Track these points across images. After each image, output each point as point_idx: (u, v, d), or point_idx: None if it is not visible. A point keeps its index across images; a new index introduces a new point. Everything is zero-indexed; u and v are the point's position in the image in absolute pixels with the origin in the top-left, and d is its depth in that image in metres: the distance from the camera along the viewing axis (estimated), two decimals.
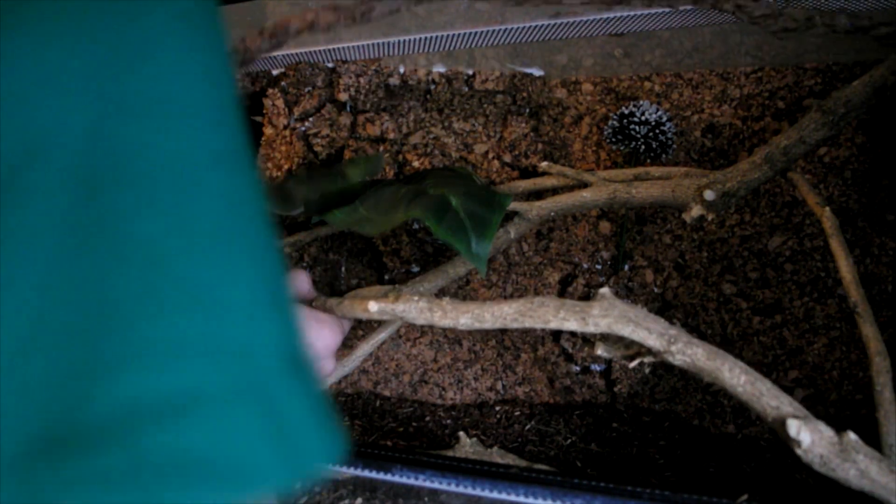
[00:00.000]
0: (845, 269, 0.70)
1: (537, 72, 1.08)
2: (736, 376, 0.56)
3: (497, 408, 1.07)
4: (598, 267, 1.06)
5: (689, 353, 0.59)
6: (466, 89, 1.08)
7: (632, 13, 0.93)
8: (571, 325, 0.61)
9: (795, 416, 0.54)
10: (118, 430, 0.17)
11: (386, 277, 1.11)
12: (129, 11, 0.19)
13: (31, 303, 0.17)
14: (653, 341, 0.60)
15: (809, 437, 0.53)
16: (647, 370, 1.02)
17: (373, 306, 0.68)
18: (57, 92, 0.17)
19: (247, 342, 0.19)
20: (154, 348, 0.18)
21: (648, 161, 0.99)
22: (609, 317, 0.61)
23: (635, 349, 0.66)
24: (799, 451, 0.54)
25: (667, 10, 0.89)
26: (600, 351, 0.69)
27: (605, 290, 0.64)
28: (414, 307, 0.66)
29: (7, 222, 0.16)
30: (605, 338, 0.70)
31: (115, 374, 0.17)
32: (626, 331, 0.60)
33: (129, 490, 0.17)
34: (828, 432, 0.54)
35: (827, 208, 0.76)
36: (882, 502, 0.55)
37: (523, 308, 0.62)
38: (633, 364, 0.66)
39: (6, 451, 0.16)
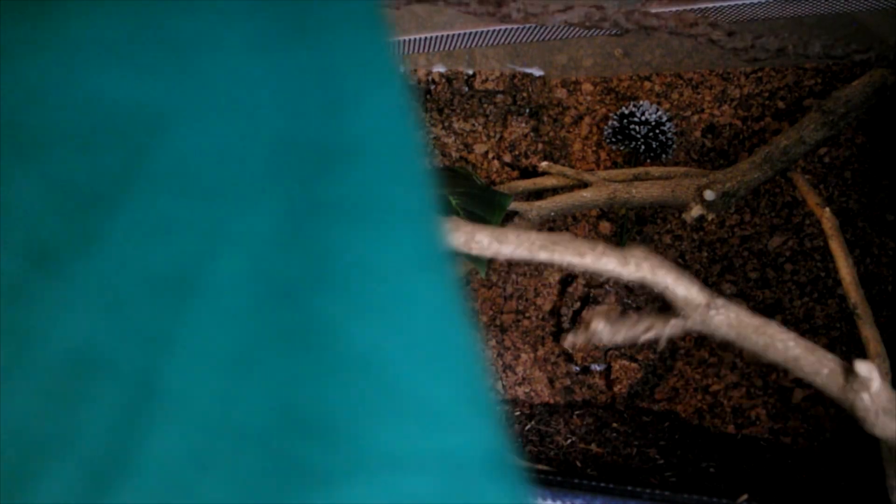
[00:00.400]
0: (845, 270, 0.70)
1: (537, 72, 1.08)
2: (784, 332, 0.52)
3: (497, 408, 1.07)
4: None
5: (734, 309, 0.54)
6: (466, 89, 1.08)
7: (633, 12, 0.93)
8: (610, 263, 0.56)
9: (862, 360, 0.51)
10: None
11: None
12: (332, 112, 0.18)
13: (216, 403, 0.15)
14: (695, 293, 0.55)
15: (879, 380, 0.49)
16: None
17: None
18: (241, 194, 0.16)
19: (456, 450, 0.19)
20: (369, 459, 0.17)
21: (648, 161, 1.00)
22: (651, 260, 0.55)
23: (646, 325, 0.61)
24: (865, 397, 0.50)
25: (666, 10, 0.89)
26: (600, 327, 0.62)
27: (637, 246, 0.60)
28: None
29: (186, 320, 0.15)
30: (609, 317, 0.66)
31: (327, 487, 0.16)
32: (669, 279, 0.56)
33: None
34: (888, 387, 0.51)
35: (827, 209, 0.76)
36: None
37: (556, 237, 0.55)
38: (645, 337, 0.61)
39: None
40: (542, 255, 0.56)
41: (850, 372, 0.50)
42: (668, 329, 0.58)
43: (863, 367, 0.49)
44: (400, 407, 0.18)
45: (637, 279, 0.57)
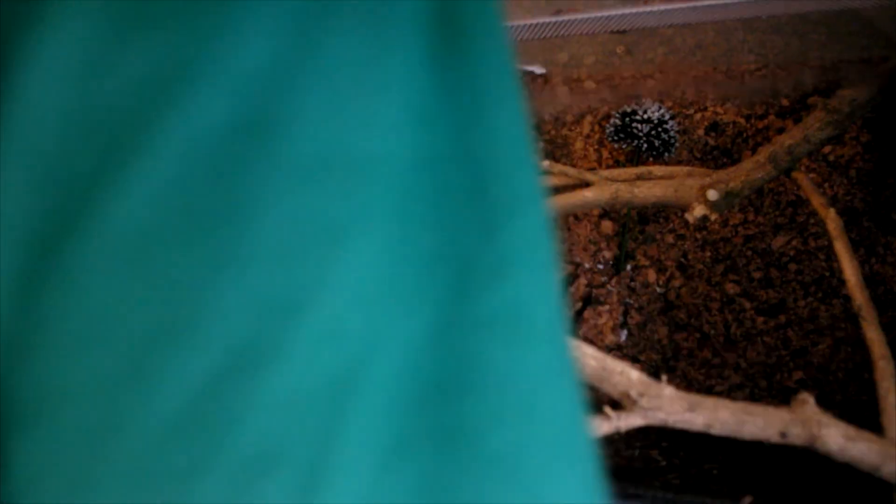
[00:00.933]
0: (850, 271, 0.70)
1: (539, 69, 1.07)
2: (720, 409, 0.55)
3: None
4: (601, 266, 1.05)
5: (666, 399, 0.58)
6: None
7: (634, 11, 0.92)
8: None
9: None
10: None
11: None
12: (491, 225, 0.18)
13: (371, 496, 0.16)
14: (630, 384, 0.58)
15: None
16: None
17: None
18: (399, 302, 0.17)
19: None
20: None
21: (651, 159, 0.99)
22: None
23: (603, 419, 0.65)
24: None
25: (669, 7, 0.88)
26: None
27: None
28: None
29: (349, 418, 0.16)
30: None
31: None
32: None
33: None
34: None
35: (832, 210, 0.75)
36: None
37: None
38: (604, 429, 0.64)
39: None
40: None
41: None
42: (622, 422, 0.61)
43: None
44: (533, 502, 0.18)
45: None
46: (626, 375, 0.62)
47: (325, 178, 0.16)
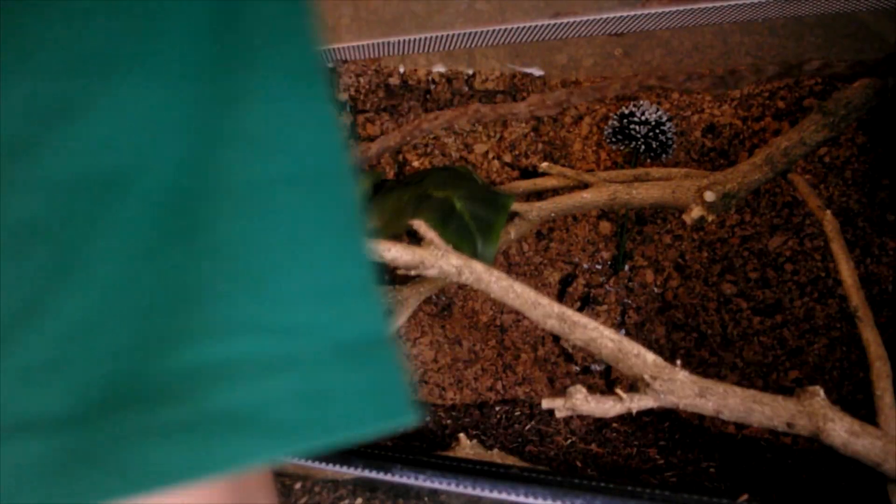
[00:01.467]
0: (846, 273, 0.70)
1: (537, 71, 1.08)
2: (730, 395, 0.57)
3: (497, 408, 1.07)
4: (598, 267, 1.06)
5: (678, 382, 0.60)
6: (466, 89, 1.08)
7: (632, 13, 0.93)
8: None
9: None
10: (181, 389, 0.21)
11: (386, 278, 1.11)
12: (238, 64, 0.23)
13: (118, 281, 0.21)
14: (642, 367, 0.60)
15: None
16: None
17: (393, 251, 0.66)
18: (155, 128, 0.22)
19: (302, 325, 0.24)
20: (220, 324, 0.22)
21: (648, 161, 0.99)
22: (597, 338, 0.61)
23: (616, 399, 0.66)
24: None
25: (667, 9, 0.89)
26: (578, 397, 0.66)
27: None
28: (444, 262, 0.65)
29: (102, 221, 0.21)
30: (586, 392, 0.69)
31: (185, 342, 0.21)
32: (604, 351, 0.61)
33: (185, 441, 0.20)
34: None
35: (828, 212, 0.76)
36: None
37: (566, 313, 0.62)
38: (616, 410, 0.65)
39: (76, 402, 0.20)
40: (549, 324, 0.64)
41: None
42: (634, 404, 0.63)
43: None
44: (254, 286, 0.23)
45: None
46: (642, 358, 0.63)
47: (108, 19, 0.21)
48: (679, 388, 0.61)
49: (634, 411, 0.63)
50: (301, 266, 0.24)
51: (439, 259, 0.67)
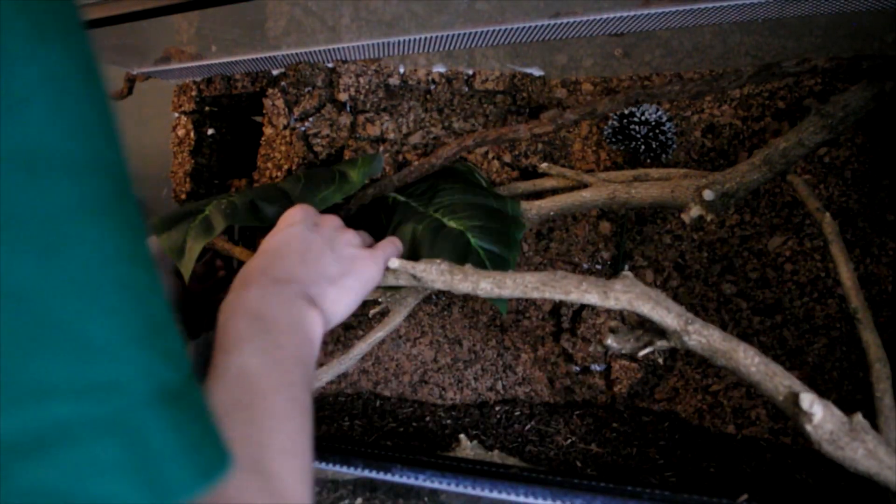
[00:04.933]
0: (846, 274, 0.70)
1: (537, 72, 1.08)
2: (750, 357, 0.57)
3: (497, 408, 1.07)
4: (598, 267, 1.06)
5: (706, 333, 0.61)
6: (466, 89, 1.08)
7: (632, 13, 0.93)
8: (592, 297, 0.63)
9: (808, 392, 0.55)
10: None
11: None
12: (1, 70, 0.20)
13: None
14: (671, 320, 0.62)
15: (821, 411, 0.54)
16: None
17: (393, 262, 0.68)
18: None
19: (113, 378, 0.21)
20: (21, 387, 0.19)
21: (648, 161, 1.00)
22: (630, 293, 0.62)
23: (646, 340, 0.67)
24: (809, 427, 0.55)
25: (667, 9, 0.89)
26: (609, 341, 0.70)
27: (626, 272, 0.65)
28: (434, 269, 0.67)
29: None
30: (615, 330, 0.71)
31: None
32: (646, 308, 0.62)
33: None
34: (838, 412, 0.56)
35: (827, 214, 0.76)
36: (885, 484, 0.55)
37: (545, 278, 0.63)
38: (643, 353, 0.67)
39: None
40: (535, 295, 0.64)
41: (797, 402, 0.54)
42: (659, 343, 0.64)
43: (805, 400, 0.54)
44: (53, 338, 0.20)
45: (620, 309, 0.64)
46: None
47: None
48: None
49: (657, 349, 0.66)
50: (97, 309, 0.21)
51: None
